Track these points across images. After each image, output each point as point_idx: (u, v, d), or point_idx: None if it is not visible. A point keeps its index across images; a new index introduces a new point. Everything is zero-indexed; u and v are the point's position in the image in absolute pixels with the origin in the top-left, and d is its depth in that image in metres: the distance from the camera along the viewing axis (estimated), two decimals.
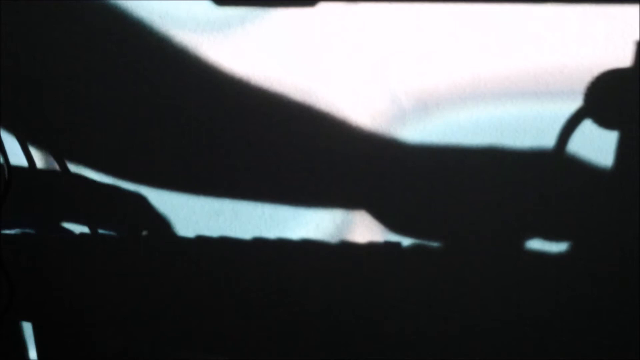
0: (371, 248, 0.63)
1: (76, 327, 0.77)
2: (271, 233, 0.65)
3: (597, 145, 0.54)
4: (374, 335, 0.68)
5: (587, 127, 0.53)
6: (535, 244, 0.59)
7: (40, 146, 0.67)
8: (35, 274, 0.74)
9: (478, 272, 0.62)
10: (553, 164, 0.56)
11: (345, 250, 0.64)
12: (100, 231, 0.70)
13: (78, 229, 0.70)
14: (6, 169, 0.61)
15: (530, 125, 0.55)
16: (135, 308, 0.74)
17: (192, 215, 0.67)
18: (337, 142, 0.59)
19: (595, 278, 0.59)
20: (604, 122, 0.53)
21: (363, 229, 0.63)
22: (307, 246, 0.64)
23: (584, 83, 0.52)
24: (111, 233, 0.69)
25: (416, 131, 0.57)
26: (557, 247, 0.59)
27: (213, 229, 0.66)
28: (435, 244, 0.62)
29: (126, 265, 0.71)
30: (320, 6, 0.54)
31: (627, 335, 0.60)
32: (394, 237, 0.62)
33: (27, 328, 0.79)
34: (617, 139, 0.54)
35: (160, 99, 0.61)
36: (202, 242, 0.67)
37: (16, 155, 0.67)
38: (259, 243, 0.66)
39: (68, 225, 0.71)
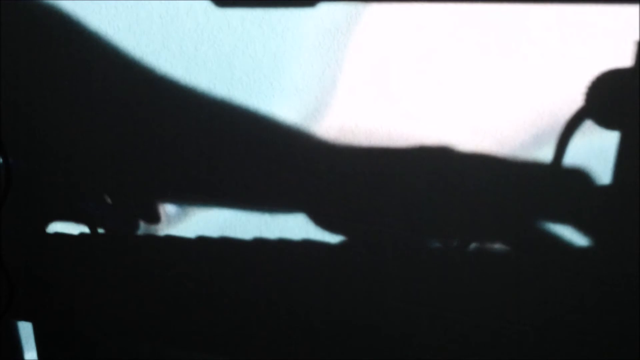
0: (372, 248, 0.63)
1: (76, 327, 0.77)
2: (271, 233, 0.65)
3: (597, 145, 0.54)
4: (374, 335, 0.68)
5: (587, 127, 0.53)
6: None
7: (40, 146, 0.67)
8: (35, 274, 0.74)
9: (478, 273, 0.62)
10: (552, 164, 0.56)
11: (345, 250, 0.64)
12: (100, 231, 0.70)
13: (78, 229, 0.70)
14: (6, 169, 0.61)
15: (530, 126, 0.55)
16: (135, 308, 0.74)
17: (192, 215, 0.67)
18: (336, 143, 0.59)
19: (595, 278, 0.59)
20: (604, 122, 0.53)
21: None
22: (307, 246, 0.64)
23: (584, 83, 0.52)
24: (111, 233, 0.69)
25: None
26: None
27: (213, 229, 0.66)
28: (436, 245, 0.62)
29: (126, 265, 0.71)
30: (320, 6, 0.54)
31: (627, 335, 0.60)
32: (394, 238, 0.62)
33: (27, 328, 0.79)
34: (617, 139, 0.53)
35: (160, 98, 0.61)
36: (203, 243, 0.67)
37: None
38: (259, 243, 0.66)
39: (68, 225, 0.71)
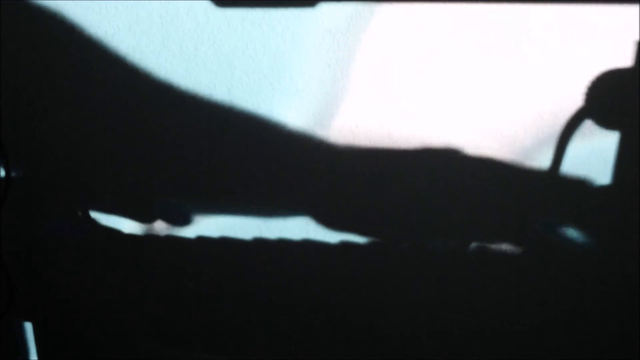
0: (372, 248, 0.63)
1: (76, 327, 0.77)
2: (271, 233, 0.65)
3: (597, 146, 0.54)
4: (373, 335, 0.68)
5: (588, 127, 0.53)
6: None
7: (40, 146, 0.67)
8: (35, 274, 0.74)
9: (478, 273, 0.62)
10: (553, 164, 0.56)
11: (345, 250, 0.64)
12: (100, 231, 0.70)
13: (78, 229, 0.70)
14: (6, 169, 0.61)
15: (530, 126, 0.55)
16: (135, 308, 0.74)
17: (193, 215, 0.67)
18: (336, 143, 0.59)
19: (595, 278, 0.59)
20: (604, 122, 0.53)
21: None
22: (307, 246, 0.64)
23: (584, 83, 0.52)
24: (110, 233, 0.69)
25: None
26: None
27: (213, 229, 0.66)
28: (436, 245, 0.62)
29: (126, 265, 0.71)
30: (320, 6, 0.54)
31: (627, 335, 0.60)
32: (394, 238, 0.62)
33: (27, 328, 0.79)
34: (617, 139, 0.54)
35: (160, 99, 0.61)
36: (202, 242, 0.67)
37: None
38: (259, 243, 0.66)
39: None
